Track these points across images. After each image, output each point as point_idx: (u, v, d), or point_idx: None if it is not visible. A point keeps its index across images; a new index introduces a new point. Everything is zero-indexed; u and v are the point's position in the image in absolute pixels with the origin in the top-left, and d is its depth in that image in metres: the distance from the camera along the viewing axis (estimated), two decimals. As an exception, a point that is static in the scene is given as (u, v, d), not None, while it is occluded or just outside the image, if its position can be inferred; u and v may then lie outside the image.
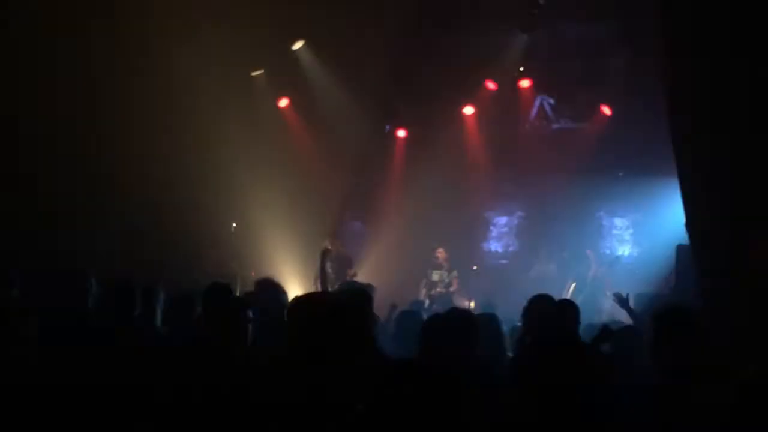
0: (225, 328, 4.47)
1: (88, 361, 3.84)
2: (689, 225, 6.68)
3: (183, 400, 3.58)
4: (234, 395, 3.46)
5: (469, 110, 14.99)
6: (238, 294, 8.18)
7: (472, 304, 13.11)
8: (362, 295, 5.82)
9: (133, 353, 4.40)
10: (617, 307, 7.74)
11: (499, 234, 15.92)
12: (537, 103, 14.72)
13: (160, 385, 3.71)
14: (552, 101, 14.68)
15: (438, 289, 12.68)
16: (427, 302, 12.34)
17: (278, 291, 6.17)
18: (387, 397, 2.55)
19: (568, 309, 5.62)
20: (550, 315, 5.50)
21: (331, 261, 13.02)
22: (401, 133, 15.52)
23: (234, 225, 14.24)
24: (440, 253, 13.10)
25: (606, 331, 4.94)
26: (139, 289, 5.74)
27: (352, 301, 4.04)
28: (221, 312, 4.76)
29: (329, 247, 13.17)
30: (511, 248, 15.69)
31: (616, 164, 14.61)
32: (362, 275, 12.46)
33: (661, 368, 4.18)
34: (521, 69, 14.04)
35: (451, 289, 12.82)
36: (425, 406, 2.51)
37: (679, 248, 8.63)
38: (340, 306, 3.41)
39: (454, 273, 12.97)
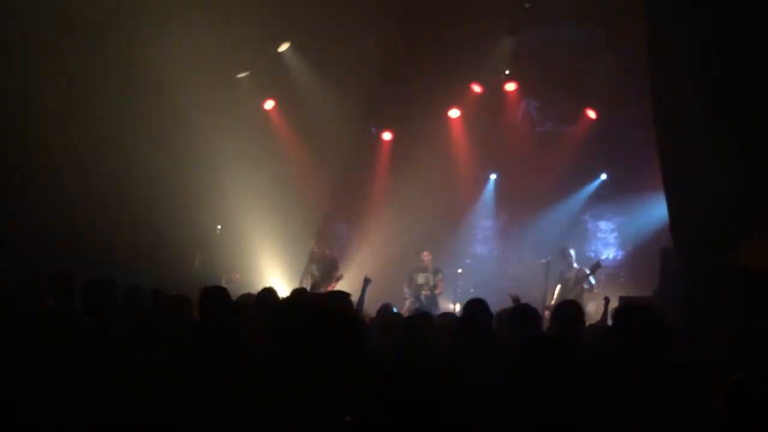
0: (220, 329, 4.47)
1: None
2: (673, 228, 6.73)
3: (173, 398, 3.58)
4: (225, 395, 3.46)
5: (454, 113, 15.03)
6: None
7: (457, 307, 13.15)
8: (347, 298, 5.85)
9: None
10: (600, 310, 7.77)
11: (484, 237, 15.96)
12: (522, 106, 14.77)
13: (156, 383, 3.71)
14: (537, 104, 14.74)
15: (424, 292, 12.68)
16: (412, 303, 12.35)
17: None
18: (377, 408, 2.55)
19: (567, 309, 5.59)
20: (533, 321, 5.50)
21: (316, 263, 13.02)
22: (387, 135, 15.53)
23: (219, 227, 14.21)
24: (426, 256, 13.10)
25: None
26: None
27: (338, 304, 4.04)
28: (217, 313, 4.76)
29: (315, 249, 13.19)
30: (495, 251, 15.72)
31: (600, 167, 14.67)
32: (348, 277, 12.46)
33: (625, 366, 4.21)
34: (507, 72, 14.07)
35: (437, 291, 12.82)
36: (415, 417, 2.51)
37: (664, 251, 8.68)
38: (327, 308, 3.41)
39: (440, 276, 12.97)
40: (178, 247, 12.81)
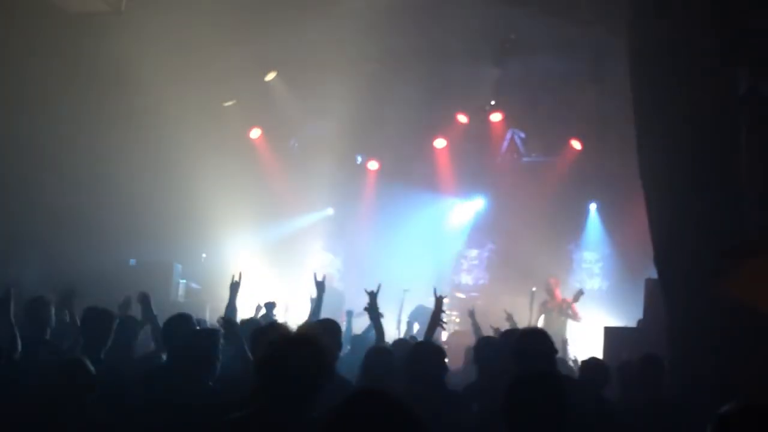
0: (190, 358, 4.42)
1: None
2: (657, 259, 6.73)
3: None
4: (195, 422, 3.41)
5: (440, 143, 15.06)
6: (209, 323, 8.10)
7: (444, 336, 13.05)
8: (334, 324, 5.80)
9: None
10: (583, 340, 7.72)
11: (470, 266, 15.94)
12: (508, 136, 14.83)
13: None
14: (523, 135, 14.81)
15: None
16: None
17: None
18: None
19: (538, 337, 5.20)
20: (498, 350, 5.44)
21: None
22: (373, 164, 15.54)
23: (204, 255, 14.11)
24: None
25: None
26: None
27: (312, 333, 4.00)
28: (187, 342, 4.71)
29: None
30: (481, 281, 15.70)
31: (585, 198, 14.72)
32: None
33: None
34: (492, 103, 14.14)
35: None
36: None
37: (648, 282, 8.69)
38: (301, 338, 3.39)
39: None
40: (162, 274, 12.71)
